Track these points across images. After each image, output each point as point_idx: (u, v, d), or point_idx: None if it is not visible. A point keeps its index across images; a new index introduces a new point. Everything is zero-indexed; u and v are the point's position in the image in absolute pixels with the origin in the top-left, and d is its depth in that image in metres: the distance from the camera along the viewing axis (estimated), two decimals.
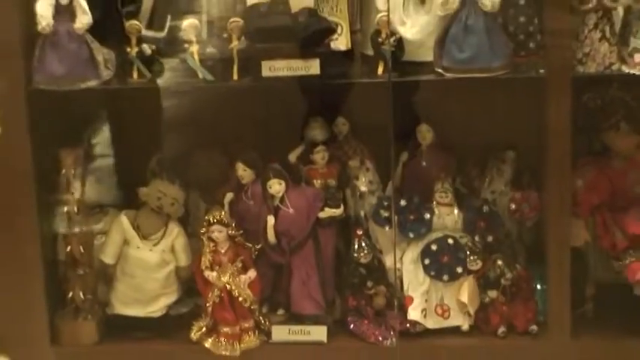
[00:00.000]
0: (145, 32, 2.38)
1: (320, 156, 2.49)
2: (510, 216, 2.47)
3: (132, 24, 2.35)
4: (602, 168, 2.40)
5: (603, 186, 2.39)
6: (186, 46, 2.36)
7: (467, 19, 2.23)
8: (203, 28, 2.41)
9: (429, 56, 2.33)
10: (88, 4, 2.30)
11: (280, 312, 2.51)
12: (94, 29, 2.34)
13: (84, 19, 2.29)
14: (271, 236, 2.38)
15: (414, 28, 2.36)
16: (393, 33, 2.31)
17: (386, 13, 2.31)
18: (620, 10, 2.30)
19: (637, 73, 2.24)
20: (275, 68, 2.29)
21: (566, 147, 2.24)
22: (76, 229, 2.47)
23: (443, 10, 2.27)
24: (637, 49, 2.23)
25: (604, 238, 2.38)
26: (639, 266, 2.31)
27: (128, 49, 2.35)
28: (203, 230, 2.40)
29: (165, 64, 2.41)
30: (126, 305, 2.48)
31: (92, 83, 2.34)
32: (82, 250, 2.46)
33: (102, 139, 2.71)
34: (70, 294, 2.49)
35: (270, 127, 2.69)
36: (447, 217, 2.42)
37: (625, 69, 2.26)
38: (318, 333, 2.41)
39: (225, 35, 2.36)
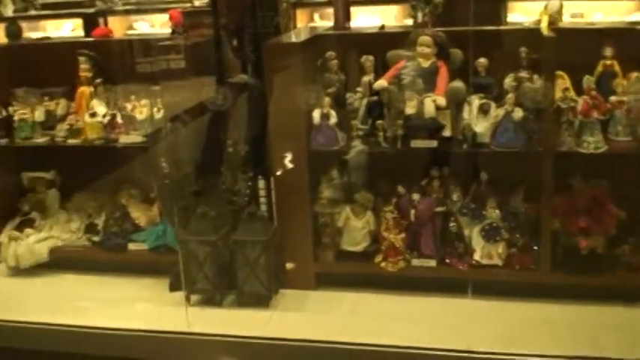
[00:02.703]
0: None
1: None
2: None
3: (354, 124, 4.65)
4: None
5: None
6: None
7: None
8: None
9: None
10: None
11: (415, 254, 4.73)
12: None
13: (332, 121, 4.61)
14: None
15: (482, 126, 4.53)
16: (470, 127, 4.49)
17: (467, 120, 4.50)
18: None
19: None
20: (417, 144, 4.47)
21: None
22: (327, 211, 4.74)
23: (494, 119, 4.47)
24: None
25: None
26: None
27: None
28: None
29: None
30: (348, 245, 4.77)
31: (335, 147, 4.62)
32: (328, 220, 4.71)
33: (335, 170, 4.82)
34: (323, 240, 4.78)
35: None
36: None
37: None
38: (430, 263, 4.69)
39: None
